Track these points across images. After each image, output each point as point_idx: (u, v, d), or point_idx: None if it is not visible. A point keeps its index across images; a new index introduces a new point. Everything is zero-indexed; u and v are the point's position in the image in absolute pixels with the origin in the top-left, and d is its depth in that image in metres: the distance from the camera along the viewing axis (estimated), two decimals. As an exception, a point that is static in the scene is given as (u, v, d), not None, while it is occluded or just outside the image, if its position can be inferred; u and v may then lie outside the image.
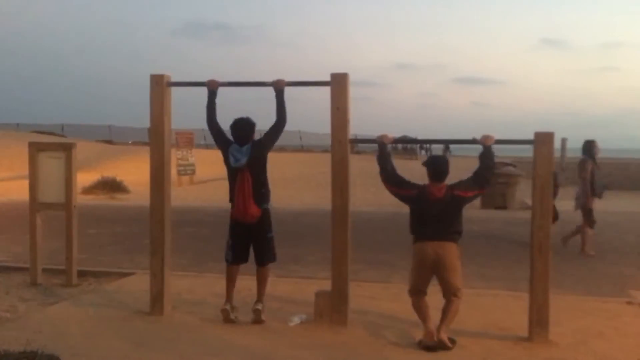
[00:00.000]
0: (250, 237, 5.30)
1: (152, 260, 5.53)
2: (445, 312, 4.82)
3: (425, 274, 4.91)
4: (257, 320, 5.29)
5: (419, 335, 4.90)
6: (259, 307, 5.31)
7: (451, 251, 4.82)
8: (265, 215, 5.28)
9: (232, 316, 5.30)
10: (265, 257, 5.37)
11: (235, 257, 5.36)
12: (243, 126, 5.21)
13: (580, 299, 6.22)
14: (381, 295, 6.29)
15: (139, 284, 6.50)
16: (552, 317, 4.92)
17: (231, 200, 5.24)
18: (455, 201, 4.84)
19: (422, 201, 4.87)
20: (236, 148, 5.15)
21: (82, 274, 7.01)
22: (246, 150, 5.13)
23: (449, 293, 4.84)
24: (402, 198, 5.01)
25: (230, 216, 5.30)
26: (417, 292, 4.92)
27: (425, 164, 4.98)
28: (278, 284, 6.80)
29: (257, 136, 5.34)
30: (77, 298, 6.18)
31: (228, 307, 5.29)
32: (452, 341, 4.76)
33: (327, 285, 5.38)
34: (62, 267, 6.90)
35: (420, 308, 4.89)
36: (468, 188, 4.87)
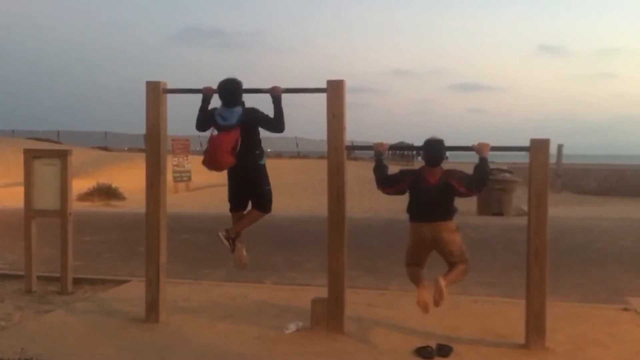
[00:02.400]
0: (247, 189, 5.31)
1: (148, 268, 5.51)
2: (451, 269, 4.80)
3: (423, 251, 4.96)
4: (242, 259, 5.36)
5: (415, 343, 4.89)
6: (242, 243, 5.38)
7: (447, 229, 4.84)
8: (262, 170, 5.28)
9: (222, 234, 5.28)
10: (263, 205, 5.35)
11: (234, 206, 5.41)
12: (229, 84, 5.14)
13: (576, 306, 6.22)
14: (378, 302, 6.27)
15: (134, 291, 6.46)
16: (548, 323, 4.92)
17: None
18: (449, 188, 4.85)
19: (417, 187, 4.91)
20: (224, 109, 5.08)
21: (77, 281, 6.98)
22: (237, 111, 5.06)
23: (454, 263, 4.82)
24: (402, 191, 5.02)
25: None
26: (414, 265, 4.98)
27: (422, 148, 5.02)
28: (274, 291, 6.79)
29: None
30: (72, 306, 6.14)
31: (224, 233, 5.30)
32: (449, 348, 4.76)
33: (323, 292, 5.36)
34: (57, 274, 6.86)
35: (414, 274, 4.94)
36: (462, 183, 4.86)
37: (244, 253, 5.43)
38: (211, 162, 5.07)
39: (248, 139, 5.13)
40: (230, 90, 5.15)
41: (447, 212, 4.88)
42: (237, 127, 5.04)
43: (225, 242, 5.32)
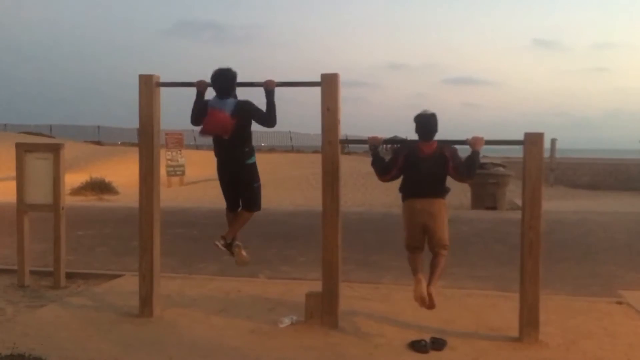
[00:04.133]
0: (237, 186, 5.34)
1: (141, 262, 5.48)
2: (433, 267, 4.91)
3: (417, 229, 4.98)
4: (243, 259, 5.47)
5: (409, 336, 4.90)
6: (239, 243, 5.50)
7: (439, 206, 4.91)
8: (251, 168, 5.28)
9: (220, 243, 5.40)
10: (251, 205, 5.40)
11: (229, 205, 5.49)
12: (223, 73, 5.11)
13: (570, 299, 6.24)
14: (372, 296, 6.28)
15: (128, 285, 6.45)
16: (542, 317, 4.94)
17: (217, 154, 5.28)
18: (443, 160, 4.89)
19: (412, 158, 4.94)
20: (216, 100, 5.07)
21: (70, 275, 6.95)
22: (230, 103, 5.05)
23: (437, 246, 4.93)
24: (401, 168, 5.00)
25: (216, 161, 5.28)
26: (413, 249, 5.01)
27: (415, 120, 5.01)
28: (269, 286, 6.79)
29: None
30: (65, 300, 6.12)
31: (221, 242, 5.42)
32: (443, 342, 4.77)
33: (317, 286, 5.36)
34: (50, 269, 6.84)
35: (414, 260, 4.99)
36: (453, 158, 4.90)
37: (244, 253, 5.52)
38: (212, 124, 5.04)
39: (239, 132, 5.11)
40: (224, 79, 5.12)
41: (440, 189, 4.95)
42: (232, 118, 5.03)
43: (224, 249, 5.44)
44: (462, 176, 4.97)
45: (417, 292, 4.79)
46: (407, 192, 5.01)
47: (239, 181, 5.31)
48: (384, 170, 5.08)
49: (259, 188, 5.40)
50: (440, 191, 4.96)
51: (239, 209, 5.47)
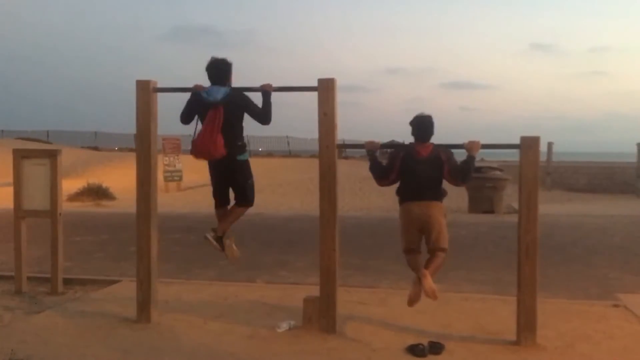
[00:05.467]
0: (230, 183, 5.32)
1: (139, 268, 5.48)
2: (429, 262, 4.88)
3: (414, 232, 5.00)
4: (234, 252, 5.40)
5: (407, 340, 4.90)
6: (230, 236, 5.40)
7: (436, 209, 4.91)
8: (244, 165, 5.25)
9: (210, 235, 5.31)
10: (244, 200, 5.37)
11: (218, 202, 5.44)
12: (219, 64, 5.09)
13: (567, 302, 6.25)
14: (369, 300, 6.28)
15: (125, 291, 6.44)
16: (539, 320, 4.95)
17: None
18: (439, 163, 4.91)
19: (409, 161, 4.95)
20: (211, 87, 5.01)
21: (67, 282, 6.94)
22: (224, 90, 4.99)
23: (435, 249, 4.91)
24: (399, 173, 5.02)
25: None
26: (411, 251, 5.02)
27: (411, 123, 5.04)
28: (266, 290, 6.79)
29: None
30: (62, 306, 6.11)
31: (211, 234, 5.33)
32: (440, 346, 4.77)
33: (315, 290, 5.36)
34: (47, 275, 6.83)
35: (414, 263, 4.98)
36: (449, 161, 4.92)
37: (234, 247, 5.47)
38: (205, 148, 4.94)
39: (231, 123, 5.04)
40: (219, 67, 5.08)
41: (437, 192, 4.96)
42: (221, 106, 4.97)
43: (214, 242, 5.36)
44: (456, 180, 5.00)
45: (411, 292, 4.83)
46: (404, 195, 5.03)
47: (232, 179, 5.29)
48: (382, 175, 5.11)
49: (252, 184, 5.38)
50: (437, 194, 4.97)
51: (229, 205, 5.46)
